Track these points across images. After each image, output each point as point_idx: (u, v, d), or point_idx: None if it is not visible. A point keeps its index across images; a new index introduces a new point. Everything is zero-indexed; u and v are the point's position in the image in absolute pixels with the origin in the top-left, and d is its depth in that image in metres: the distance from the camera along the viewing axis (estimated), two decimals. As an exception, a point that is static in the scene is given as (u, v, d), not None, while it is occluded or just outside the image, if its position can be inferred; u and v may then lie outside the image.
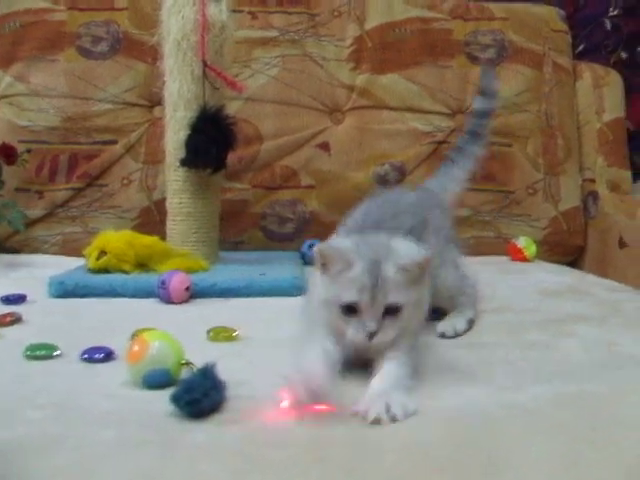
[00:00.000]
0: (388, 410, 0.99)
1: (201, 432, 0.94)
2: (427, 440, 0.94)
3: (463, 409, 1.04)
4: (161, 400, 1.05)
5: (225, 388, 1.03)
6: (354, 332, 1.11)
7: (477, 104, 1.72)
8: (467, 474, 0.86)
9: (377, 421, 0.97)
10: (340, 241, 1.21)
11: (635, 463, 0.89)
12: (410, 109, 2.42)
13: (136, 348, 1.12)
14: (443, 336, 1.41)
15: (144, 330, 1.31)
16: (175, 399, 0.99)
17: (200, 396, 0.99)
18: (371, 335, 1.10)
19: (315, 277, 1.18)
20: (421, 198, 1.54)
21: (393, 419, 0.98)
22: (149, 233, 1.94)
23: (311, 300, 1.22)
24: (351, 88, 2.42)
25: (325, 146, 2.37)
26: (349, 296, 1.10)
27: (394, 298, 1.10)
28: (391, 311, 1.11)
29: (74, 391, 1.11)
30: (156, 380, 1.11)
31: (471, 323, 1.47)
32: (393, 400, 1.00)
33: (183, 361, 1.12)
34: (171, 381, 1.11)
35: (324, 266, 1.14)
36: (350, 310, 1.11)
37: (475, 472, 0.86)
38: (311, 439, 0.93)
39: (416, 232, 1.30)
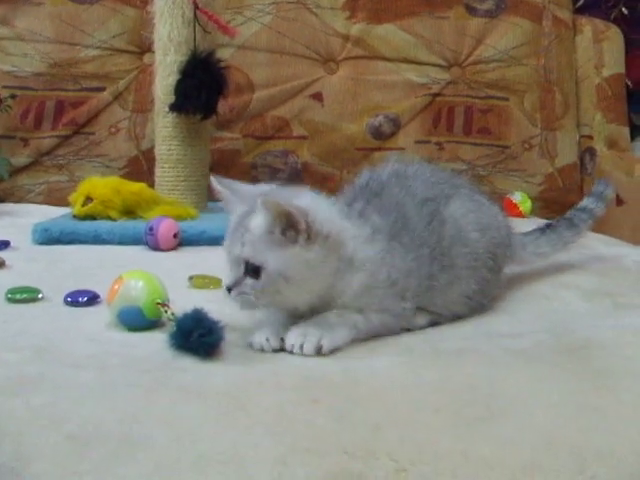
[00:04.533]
0: (301, 346, 0.98)
1: (188, 374, 0.90)
2: (425, 381, 0.91)
3: (462, 351, 1.01)
4: (145, 343, 1.02)
5: (222, 328, 0.97)
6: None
7: (585, 202, 1.58)
8: (465, 416, 0.82)
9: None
10: (260, 186, 1.12)
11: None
12: (406, 60, 2.36)
13: (114, 287, 1.09)
14: None
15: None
16: (183, 334, 0.96)
17: (209, 329, 0.95)
18: (228, 289, 1.01)
19: None
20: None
21: (303, 354, 0.97)
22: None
23: None
24: (346, 37, 2.36)
25: (318, 96, 2.32)
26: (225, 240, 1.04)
27: (252, 256, 0.99)
28: (251, 270, 0.99)
29: (55, 334, 1.06)
30: (129, 318, 1.08)
31: None
32: (311, 335, 0.98)
33: (158, 301, 1.07)
34: (144, 320, 1.07)
35: None
36: None
37: (473, 414, 0.82)
38: (302, 381, 0.89)
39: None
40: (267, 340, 1.00)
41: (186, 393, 0.84)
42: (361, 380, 0.89)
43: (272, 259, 0.98)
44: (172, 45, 1.88)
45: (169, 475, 0.70)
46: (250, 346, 1.01)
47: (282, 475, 0.69)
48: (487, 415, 0.82)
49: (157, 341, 1.01)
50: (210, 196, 1.99)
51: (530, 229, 1.49)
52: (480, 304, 1.20)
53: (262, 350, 0.99)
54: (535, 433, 0.79)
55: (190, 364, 0.93)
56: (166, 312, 1.05)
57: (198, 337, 0.94)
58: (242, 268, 1.00)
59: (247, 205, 1.03)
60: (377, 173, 1.21)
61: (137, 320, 1.07)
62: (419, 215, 1.13)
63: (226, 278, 1.02)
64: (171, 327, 1.01)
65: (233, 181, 1.11)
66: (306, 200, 1.03)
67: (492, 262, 1.20)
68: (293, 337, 0.99)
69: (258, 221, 0.99)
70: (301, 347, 0.98)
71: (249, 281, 0.99)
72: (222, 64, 1.88)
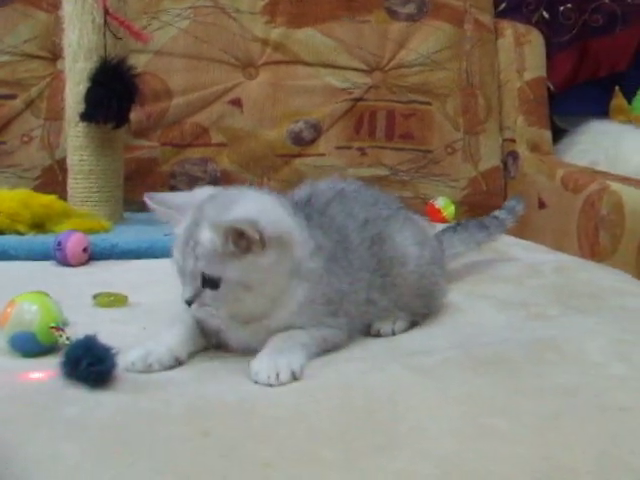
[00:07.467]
0: (277, 376, 0.94)
1: (74, 406, 0.85)
2: (322, 409, 0.87)
3: (365, 374, 0.98)
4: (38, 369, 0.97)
5: (115, 355, 0.94)
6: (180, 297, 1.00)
7: (497, 213, 1.62)
8: (363, 447, 0.79)
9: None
10: (195, 192, 1.08)
11: (553, 436, 0.83)
12: (326, 65, 2.32)
13: (7, 310, 1.04)
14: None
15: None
16: (72, 363, 0.91)
17: (99, 357, 0.91)
18: (188, 303, 0.99)
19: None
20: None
21: (280, 383, 0.94)
22: (51, 193, 1.83)
23: None
24: (265, 42, 2.32)
25: (237, 102, 2.27)
26: (174, 253, 1.01)
27: (208, 268, 0.97)
28: (209, 283, 0.98)
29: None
30: (23, 344, 1.03)
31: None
32: (281, 363, 0.96)
33: (52, 324, 1.02)
34: (39, 346, 1.03)
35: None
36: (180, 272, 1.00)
37: (372, 444, 0.79)
38: (195, 411, 0.85)
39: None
40: (132, 364, 0.98)
41: (69, 428, 0.80)
42: (257, 410, 0.86)
43: (229, 270, 0.96)
44: (82, 52, 1.82)
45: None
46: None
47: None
48: (386, 445, 0.79)
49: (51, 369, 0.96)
50: (127, 207, 1.95)
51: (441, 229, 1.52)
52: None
53: (127, 371, 0.96)
54: (432, 464, 0.76)
55: (78, 395, 0.88)
56: (61, 337, 1.01)
57: (87, 366, 0.90)
58: (199, 281, 0.98)
59: (190, 216, 1.00)
60: (320, 190, 1.17)
61: (31, 346, 1.02)
62: (360, 238, 1.12)
63: (184, 292, 0.99)
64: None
65: (166, 194, 1.11)
66: (252, 205, 1.01)
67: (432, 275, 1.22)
68: (265, 369, 0.95)
69: (208, 236, 0.96)
70: (277, 377, 0.94)
71: (208, 293, 0.97)
72: (134, 71, 1.83)
